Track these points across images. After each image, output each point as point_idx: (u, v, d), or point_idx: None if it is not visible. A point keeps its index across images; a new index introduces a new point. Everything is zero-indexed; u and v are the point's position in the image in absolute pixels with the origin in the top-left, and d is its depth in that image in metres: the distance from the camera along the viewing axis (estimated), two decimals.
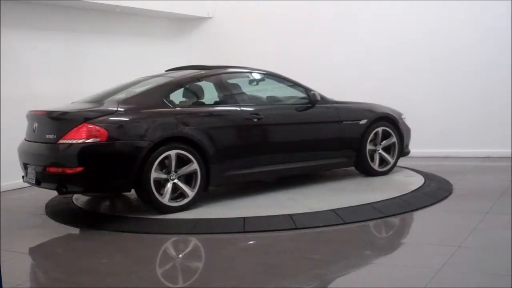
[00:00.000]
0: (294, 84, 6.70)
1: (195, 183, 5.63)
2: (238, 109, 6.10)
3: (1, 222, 5.77)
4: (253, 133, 6.12)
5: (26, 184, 5.96)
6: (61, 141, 5.30)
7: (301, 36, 9.52)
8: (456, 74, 8.60)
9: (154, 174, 5.38)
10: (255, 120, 6.07)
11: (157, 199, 5.43)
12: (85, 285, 3.97)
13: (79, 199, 6.47)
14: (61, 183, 5.36)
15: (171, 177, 5.51)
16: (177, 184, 5.54)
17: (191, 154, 5.58)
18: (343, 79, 9.09)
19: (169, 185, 5.50)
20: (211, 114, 5.97)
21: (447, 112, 8.66)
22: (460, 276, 3.80)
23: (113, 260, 4.56)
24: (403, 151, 7.15)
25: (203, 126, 5.76)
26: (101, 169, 5.34)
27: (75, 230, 5.50)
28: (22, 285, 4.05)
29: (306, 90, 6.62)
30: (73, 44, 8.52)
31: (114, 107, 5.53)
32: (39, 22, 8.09)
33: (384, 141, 6.94)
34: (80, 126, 5.27)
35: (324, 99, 6.67)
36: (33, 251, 5.10)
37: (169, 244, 5.02)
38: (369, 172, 6.89)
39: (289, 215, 5.26)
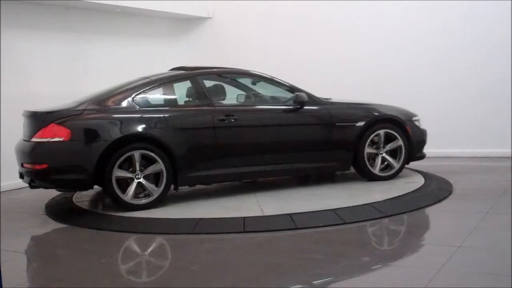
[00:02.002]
0: (282, 85, 6.58)
1: (161, 183, 5.77)
2: (211, 110, 6.10)
3: (1, 222, 5.78)
4: (226, 135, 6.09)
5: (26, 184, 5.98)
6: (32, 139, 5.70)
7: (301, 36, 9.52)
8: (455, 74, 8.59)
9: (117, 173, 5.61)
10: (226, 121, 6.05)
11: (119, 196, 5.63)
12: (85, 285, 3.97)
13: (79, 199, 6.48)
14: (32, 179, 5.76)
15: (137, 176, 5.67)
16: (142, 183, 5.70)
17: (156, 154, 5.72)
18: (343, 79, 9.07)
19: (134, 184, 5.68)
20: (179, 115, 6.04)
21: (447, 112, 8.65)
22: (460, 276, 3.80)
23: (113, 260, 4.56)
24: (414, 155, 6.78)
25: (170, 127, 5.86)
26: (64, 167, 5.65)
27: (75, 230, 5.50)
28: (22, 285, 4.05)
29: (294, 90, 6.47)
30: (73, 44, 8.51)
31: (83, 108, 5.80)
32: (39, 22, 8.08)
33: (388, 145, 6.62)
34: (48, 125, 5.64)
35: (314, 100, 6.49)
36: (33, 251, 5.11)
37: (169, 244, 5.03)
38: (369, 177, 6.59)
39: (289, 215, 5.26)
